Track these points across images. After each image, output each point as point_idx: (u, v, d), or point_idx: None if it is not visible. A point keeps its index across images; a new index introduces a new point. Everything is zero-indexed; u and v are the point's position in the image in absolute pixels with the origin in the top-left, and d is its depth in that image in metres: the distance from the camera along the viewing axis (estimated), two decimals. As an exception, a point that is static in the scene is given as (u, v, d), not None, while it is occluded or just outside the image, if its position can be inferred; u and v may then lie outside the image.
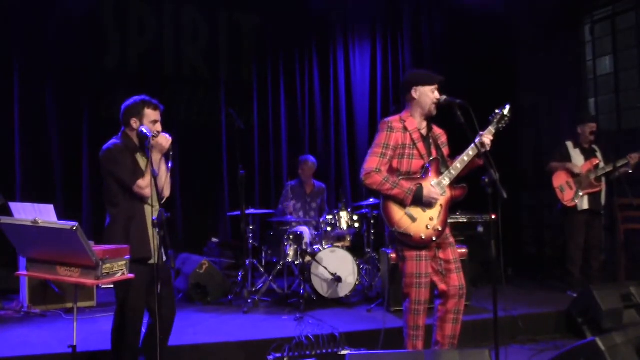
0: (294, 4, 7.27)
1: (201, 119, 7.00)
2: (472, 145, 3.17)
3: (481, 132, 3.19)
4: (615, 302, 4.16)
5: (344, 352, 3.70)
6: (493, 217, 3.03)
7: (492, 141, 3.22)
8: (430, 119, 3.36)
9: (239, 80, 7.20)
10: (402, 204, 3.17)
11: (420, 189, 3.15)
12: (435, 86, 3.26)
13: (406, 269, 3.23)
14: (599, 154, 5.31)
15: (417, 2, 7.82)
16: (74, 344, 2.68)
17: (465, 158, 3.20)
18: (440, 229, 3.20)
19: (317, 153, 7.37)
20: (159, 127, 3.07)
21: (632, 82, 6.51)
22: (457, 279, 3.26)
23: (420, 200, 3.16)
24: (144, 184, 2.96)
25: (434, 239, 3.18)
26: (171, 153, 3.00)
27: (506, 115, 3.25)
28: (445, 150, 3.38)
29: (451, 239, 3.33)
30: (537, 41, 7.39)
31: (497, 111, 3.26)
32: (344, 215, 5.36)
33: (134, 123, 3.04)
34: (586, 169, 5.20)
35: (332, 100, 7.59)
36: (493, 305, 2.95)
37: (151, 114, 3.05)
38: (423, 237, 3.16)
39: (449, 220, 3.32)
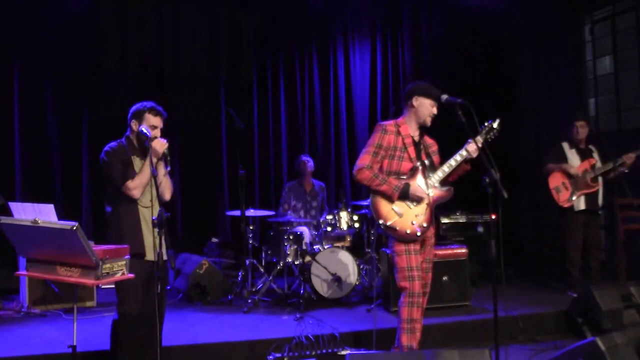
0: (294, 4, 7.27)
1: (201, 119, 6.99)
2: (460, 151, 3.40)
3: (469, 140, 3.38)
4: (615, 302, 4.16)
5: (344, 352, 3.71)
6: (493, 217, 3.04)
7: (481, 148, 3.34)
8: (423, 129, 3.54)
9: (239, 80, 7.19)
10: (390, 199, 3.38)
11: (407, 186, 3.35)
12: (435, 102, 3.44)
13: (398, 263, 3.38)
14: (595, 154, 5.30)
15: (417, 2, 7.82)
16: (74, 344, 2.68)
17: (453, 163, 3.42)
18: (425, 225, 3.38)
19: (317, 153, 7.37)
20: (157, 132, 3.13)
21: (632, 82, 6.51)
22: (425, 278, 3.47)
23: (407, 197, 3.36)
24: (132, 185, 3.05)
25: (418, 234, 3.36)
26: (168, 158, 3.07)
27: (495, 128, 3.45)
28: (436, 159, 3.58)
29: (432, 240, 3.53)
30: (537, 41, 7.38)
31: (486, 123, 3.45)
32: (344, 215, 5.36)
33: (134, 125, 3.15)
34: (582, 170, 5.19)
35: (332, 100, 7.59)
36: (493, 305, 2.96)
37: (151, 119, 3.13)
38: (408, 232, 3.35)
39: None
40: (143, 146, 3.10)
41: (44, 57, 6.18)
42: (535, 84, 7.48)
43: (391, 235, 3.39)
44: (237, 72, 7.19)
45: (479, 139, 3.40)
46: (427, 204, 3.41)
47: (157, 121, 3.15)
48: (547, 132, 7.31)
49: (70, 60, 6.26)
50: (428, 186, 3.42)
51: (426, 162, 3.48)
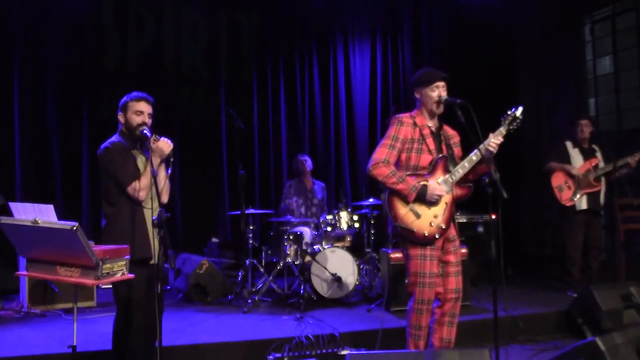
0: (294, 4, 7.27)
1: (201, 119, 7.01)
2: (484, 143, 3.16)
3: (491, 134, 3.18)
4: (615, 302, 4.16)
5: (344, 352, 3.70)
6: (493, 217, 3.03)
7: (499, 144, 3.18)
8: (441, 118, 3.36)
9: (239, 80, 7.21)
10: (406, 200, 3.18)
11: (425, 187, 3.15)
12: (436, 84, 3.24)
13: (410, 267, 3.23)
14: (598, 154, 5.30)
15: (417, 2, 7.82)
16: (74, 344, 2.68)
17: (474, 157, 3.18)
18: (444, 226, 3.19)
19: (317, 153, 7.37)
20: (144, 118, 3.04)
21: (632, 82, 6.51)
22: (454, 283, 3.27)
23: (424, 199, 3.16)
24: (138, 187, 2.96)
25: (437, 236, 3.17)
26: (172, 159, 2.99)
27: (518, 117, 3.23)
28: (457, 151, 3.38)
29: (457, 242, 3.31)
30: (537, 41, 7.38)
31: (508, 112, 3.23)
32: (344, 215, 5.36)
33: (121, 117, 3.09)
34: (585, 169, 5.19)
35: (332, 100, 7.59)
36: (493, 305, 2.96)
37: (134, 105, 3.05)
38: (426, 234, 3.16)
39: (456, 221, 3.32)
40: (141, 142, 3.05)
41: (44, 57, 6.18)
42: (535, 84, 7.48)
43: (409, 237, 3.20)
44: (237, 72, 7.21)
45: (502, 130, 3.18)
46: (446, 202, 3.21)
47: (141, 106, 3.04)
48: (547, 132, 7.31)
49: (71, 60, 6.26)
50: (448, 183, 3.21)
51: (446, 154, 3.26)
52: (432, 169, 3.23)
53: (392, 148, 3.23)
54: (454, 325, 3.32)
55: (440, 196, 3.16)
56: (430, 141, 3.25)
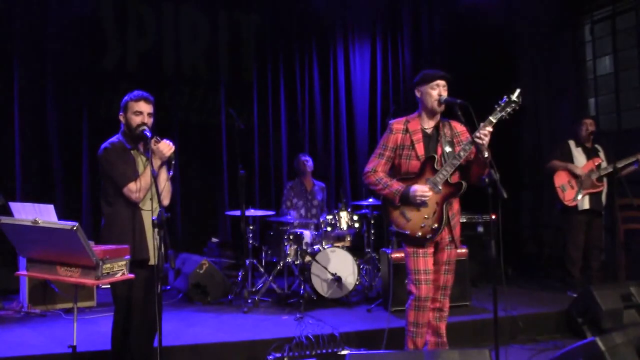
0: (294, 4, 7.27)
1: (201, 119, 7.01)
2: (468, 140, 3.13)
3: (481, 124, 3.09)
4: (615, 302, 4.16)
5: (344, 352, 3.70)
6: (493, 217, 3.03)
7: (492, 135, 3.08)
8: (445, 117, 3.35)
9: (239, 80, 7.21)
10: (393, 204, 3.26)
11: (407, 189, 3.19)
12: (436, 82, 3.24)
13: (407, 265, 3.30)
14: (601, 154, 5.28)
15: (417, 2, 7.82)
16: (74, 344, 2.68)
17: (462, 153, 3.14)
18: (435, 226, 3.21)
19: (317, 153, 7.37)
20: (144, 118, 3.03)
21: (632, 82, 6.51)
22: (442, 280, 3.32)
23: (408, 201, 3.20)
24: (134, 188, 2.95)
25: (429, 236, 3.21)
26: (173, 162, 2.98)
27: (514, 101, 3.08)
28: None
29: (455, 244, 3.31)
30: (537, 41, 7.39)
31: (505, 97, 3.10)
32: (344, 215, 5.36)
33: (121, 117, 3.09)
34: (588, 169, 5.18)
35: (332, 100, 7.59)
36: (493, 305, 2.95)
37: (133, 105, 3.04)
38: (419, 235, 3.22)
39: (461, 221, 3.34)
40: (143, 142, 3.06)
41: (44, 57, 6.18)
42: (535, 84, 7.48)
43: (403, 239, 3.30)
44: (237, 72, 7.20)
45: (491, 119, 3.07)
46: (437, 202, 3.21)
47: (140, 106, 3.03)
48: (547, 132, 7.31)
49: (70, 60, 6.27)
50: (435, 183, 3.19)
51: (432, 155, 3.22)
52: (419, 172, 3.26)
53: (381, 157, 3.34)
54: (443, 320, 3.38)
55: (423, 196, 3.16)
56: (419, 146, 3.26)
